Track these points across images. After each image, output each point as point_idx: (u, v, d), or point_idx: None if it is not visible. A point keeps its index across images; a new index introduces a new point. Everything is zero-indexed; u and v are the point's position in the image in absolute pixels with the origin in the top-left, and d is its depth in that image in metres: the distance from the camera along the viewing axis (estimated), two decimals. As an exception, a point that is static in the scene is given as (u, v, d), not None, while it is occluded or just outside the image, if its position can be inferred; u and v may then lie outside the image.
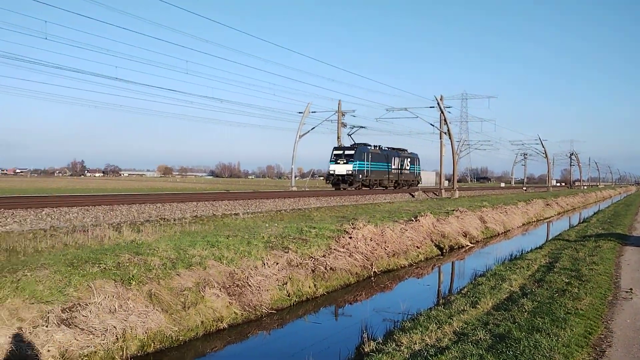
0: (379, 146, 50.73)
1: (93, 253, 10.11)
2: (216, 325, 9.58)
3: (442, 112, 46.83)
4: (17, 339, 6.84)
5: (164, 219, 17.53)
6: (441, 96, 47.28)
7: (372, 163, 47.26)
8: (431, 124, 48.84)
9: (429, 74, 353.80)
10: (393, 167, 52.11)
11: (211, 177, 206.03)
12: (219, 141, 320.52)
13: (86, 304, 8.10)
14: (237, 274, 11.12)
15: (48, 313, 7.54)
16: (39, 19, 70.01)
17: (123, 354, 7.83)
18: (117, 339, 7.87)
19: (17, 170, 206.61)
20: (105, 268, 9.19)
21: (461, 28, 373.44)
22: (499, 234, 26.83)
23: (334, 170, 45.19)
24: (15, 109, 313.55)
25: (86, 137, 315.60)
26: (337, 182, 44.71)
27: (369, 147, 48.09)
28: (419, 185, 59.55)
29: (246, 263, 11.65)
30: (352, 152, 45.38)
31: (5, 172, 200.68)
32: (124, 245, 11.26)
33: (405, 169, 55.09)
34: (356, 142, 49.22)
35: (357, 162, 44.95)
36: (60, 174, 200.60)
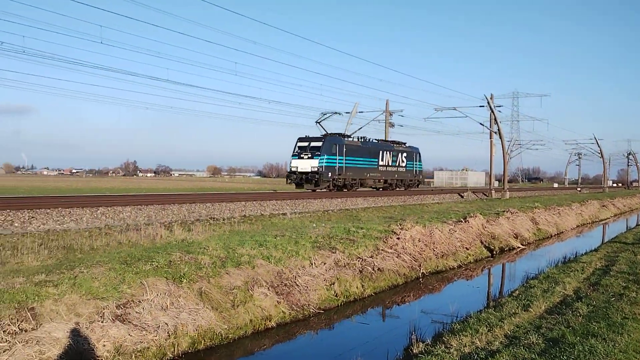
0: (364, 138, 42.25)
1: (145, 251, 10.38)
2: (264, 323, 9.67)
3: (492, 111, 45.95)
4: (75, 333, 7.08)
5: (214, 218, 17.81)
6: (491, 95, 46.45)
7: (348, 158, 37.86)
8: (481, 124, 47.92)
9: (479, 73, 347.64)
10: (381, 163, 42.49)
11: (259, 177, 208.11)
12: (267, 141, 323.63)
13: (139, 301, 8.32)
14: (285, 274, 11.21)
15: (103, 309, 7.78)
16: (95, 24, 72.44)
17: (174, 350, 8.00)
18: (169, 335, 8.05)
19: (73, 171, 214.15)
20: (157, 266, 9.41)
21: (513, 27, 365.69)
22: (551, 236, 26.18)
23: (296, 167, 36.09)
24: (72, 111, 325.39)
25: (139, 138, 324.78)
26: (300, 181, 35.97)
27: (346, 139, 39.19)
28: (419, 185, 50.31)
29: (294, 263, 11.72)
30: (319, 143, 36.07)
31: (62, 172, 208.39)
32: (175, 244, 11.51)
33: (400, 165, 45.31)
34: (328, 132, 39.72)
35: (326, 157, 35.63)
36: (114, 174, 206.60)
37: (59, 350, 6.74)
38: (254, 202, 22.87)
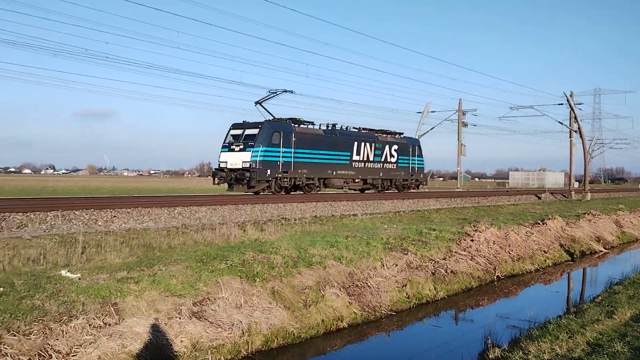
0: (333, 125, 31.17)
1: (220, 250, 10.64)
2: (336, 324, 9.69)
3: (572, 109, 44.08)
4: (154, 328, 7.35)
5: (285, 218, 18.02)
6: (571, 92, 44.55)
7: (300, 150, 27.76)
8: (560, 122, 46.01)
9: (558, 70, 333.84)
10: (356, 158, 31.31)
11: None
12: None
13: (215, 299, 8.53)
14: (356, 275, 11.19)
15: (181, 306, 8.03)
16: (172, 30, 75.24)
17: (248, 348, 8.14)
18: (243, 333, 8.20)
19: (152, 172, 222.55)
20: (231, 265, 9.63)
21: (594, 22, 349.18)
22: (637, 240, 24.84)
23: (226, 162, 26.41)
24: (150, 114, 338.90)
25: (212, 140, 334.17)
26: (230, 180, 26.02)
27: (299, 125, 28.63)
28: (420, 187, 38.38)
29: (365, 264, 11.69)
30: (255, 130, 26.18)
31: (141, 173, 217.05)
32: (248, 244, 11.72)
33: (387, 161, 33.76)
34: (276, 117, 28.76)
35: (263, 149, 25.68)
36: (189, 175, 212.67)
37: (139, 345, 7.01)
38: (325, 203, 22.96)
